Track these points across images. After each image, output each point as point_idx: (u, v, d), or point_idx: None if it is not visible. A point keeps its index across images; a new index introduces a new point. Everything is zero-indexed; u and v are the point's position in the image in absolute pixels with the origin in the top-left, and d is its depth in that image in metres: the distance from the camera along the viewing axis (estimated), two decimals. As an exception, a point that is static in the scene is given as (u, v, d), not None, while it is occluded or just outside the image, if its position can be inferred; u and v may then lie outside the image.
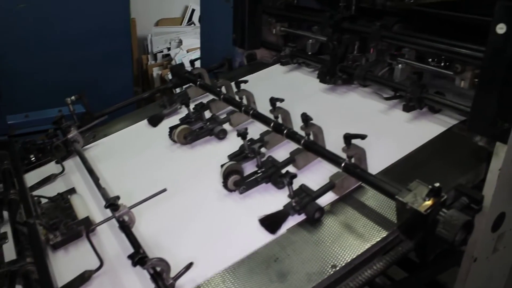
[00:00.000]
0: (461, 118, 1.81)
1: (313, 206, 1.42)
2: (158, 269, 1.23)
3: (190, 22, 6.15)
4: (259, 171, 1.61)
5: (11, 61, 3.63)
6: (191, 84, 2.40)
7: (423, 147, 1.72)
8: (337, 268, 1.26)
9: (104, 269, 1.36)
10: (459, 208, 1.39)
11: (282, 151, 1.78)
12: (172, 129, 2.02)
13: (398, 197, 1.27)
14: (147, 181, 1.80)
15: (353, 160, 1.49)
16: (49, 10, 3.71)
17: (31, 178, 1.97)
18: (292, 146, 1.73)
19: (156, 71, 5.57)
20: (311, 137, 1.65)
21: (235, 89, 2.05)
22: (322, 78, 2.26)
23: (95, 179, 1.74)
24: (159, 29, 5.93)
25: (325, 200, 1.49)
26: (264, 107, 1.86)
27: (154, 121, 2.24)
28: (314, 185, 1.51)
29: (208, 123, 2.00)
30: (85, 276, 1.34)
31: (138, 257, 1.25)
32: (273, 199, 1.55)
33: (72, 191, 1.81)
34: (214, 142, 1.97)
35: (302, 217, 1.44)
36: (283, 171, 1.61)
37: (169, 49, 5.79)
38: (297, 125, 1.71)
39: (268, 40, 2.80)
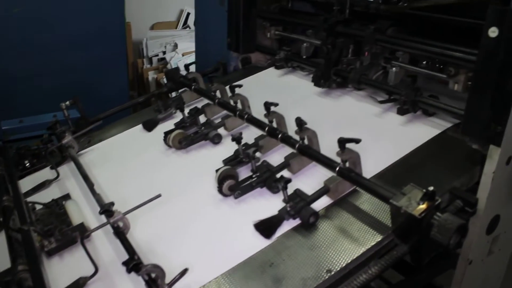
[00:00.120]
0: (455, 121, 1.81)
1: (308, 210, 1.42)
2: (153, 275, 1.23)
3: (185, 25, 6.16)
4: (254, 176, 1.61)
5: (5, 66, 3.63)
6: (186, 88, 2.40)
7: (418, 150, 1.72)
8: (332, 273, 1.26)
9: (99, 275, 1.35)
10: (454, 212, 1.40)
11: (277, 155, 1.78)
12: (167, 134, 2.02)
13: (392, 201, 1.27)
14: (142, 186, 1.79)
15: (347, 164, 1.49)
16: (43, 14, 3.72)
17: (25, 184, 1.96)
18: (287, 150, 1.73)
19: (151, 75, 5.57)
20: (306, 141, 1.65)
21: (229, 93, 2.05)
22: (317, 82, 2.26)
23: (90, 185, 1.73)
24: (154, 33, 5.93)
25: (320, 204, 1.49)
26: (259, 111, 1.86)
27: (149, 126, 2.24)
28: (309, 189, 1.51)
29: (203, 128, 2.00)
30: (80, 283, 1.33)
31: (133, 264, 1.25)
32: (268, 203, 1.55)
33: (67, 197, 1.80)
34: (209, 147, 1.97)
35: (297, 221, 1.44)
36: (278, 175, 1.61)
37: (164, 52, 5.79)
38: (291, 129, 1.71)
39: (263, 44, 2.80)
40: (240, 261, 1.35)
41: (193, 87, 2.31)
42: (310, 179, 1.64)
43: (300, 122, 1.61)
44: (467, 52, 1.71)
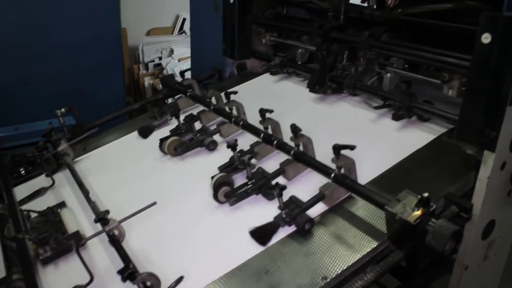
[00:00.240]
0: (450, 126, 1.82)
1: (303, 217, 1.42)
2: (148, 283, 1.23)
3: (181, 31, 6.16)
4: (249, 183, 1.61)
5: (0, 73, 3.61)
6: (181, 95, 2.40)
7: (413, 156, 1.73)
8: (328, 280, 1.26)
9: (94, 284, 1.34)
10: (449, 217, 1.40)
11: (272, 162, 1.78)
12: (162, 140, 2.02)
13: (387, 208, 1.28)
14: (138, 193, 1.79)
15: (342, 171, 1.49)
16: (39, 21, 3.72)
17: (20, 191, 1.95)
18: (282, 157, 1.73)
19: (147, 81, 5.56)
20: (301, 148, 1.66)
21: (225, 100, 2.05)
22: (312, 88, 2.27)
23: (85, 193, 1.73)
24: (150, 39, 5.93)
25: (315, 211, 1.49)
26: (254, 117, 1.86)
27: (145, 133, 2.24)
28: (305, 196, 1.51)
29: (198, 135, 2.00)
30: (75, 292, 1.33)
31: (128, 272, 1.24)
32: (263, 210, 1.55)
33: (62, 204, 1.80)
34: (205, 154, 1.97)
35: (292, 228, 1.44)
36: (273, 182, 1.61)
37: (160, 58, 5.79)
38: (287, 135, 1.71)
39: (258, 50, 2.81)
40: (236, 268, 1.35)
41: (188, 93, 2.32)
42: (305, 186, 1.64)
43: (295, 129, 1.62)
44: (461, 57, 1.72)
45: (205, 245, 1.47)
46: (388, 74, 2.04)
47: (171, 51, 5.73)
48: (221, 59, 2.79)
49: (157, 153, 2.03)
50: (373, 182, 1.60)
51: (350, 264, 1.30)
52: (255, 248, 1.41)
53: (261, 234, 1.43)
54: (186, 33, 6.05)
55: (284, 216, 1.42)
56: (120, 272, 1.26)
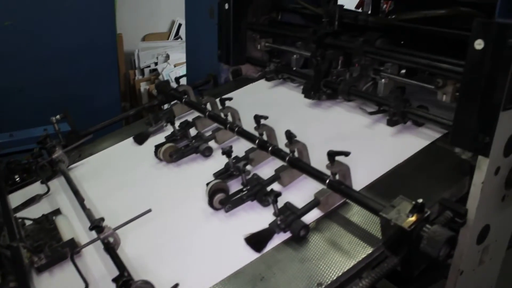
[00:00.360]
0: (444, 131, 1.82)
1: (298, 223, 1.42)
2: (143, 291, 1.22)
3: (177, 36, 6.17)
4: (244, 189, 1.61)
5: (-4, 79, 3.62)
6: (177, 101, 2.40)
7: (408, 161, 1.73)
8: (323, 286, 1.26)
9: (89, 292, 1.34)
10: (443, 223, 1.41)
11: (267, 168, 1.79)
12: (157, 147, 2.02)
13: (382, 214, 1.28)
14: (133, 200, 1.79)
15: (337, 177, 1.50)
16: (34, 27, 3.72)
17: (15, 199, 1.95)
18: (277, 163, 1.73)
19: (143, 86, 5.57)
20: (296, 154, 1.66)
21: (220, 106, 2.06)
22: (307, 94, 2.27)
23: (80, 200, 1.72)
24: (146, 44, 5.94)
25: (311, 217, 1.49)
26: (249, 123, 1.86)
27: (140, 139, 2.24)
28: (300, 202, 1.51)
29: (193, 141, 2.00)
30: (70, 300, 1.33)
31: (123, 280, 1.24)
32: (258, 217, 1.55)
33: (57, 212, 1.80)
34: (200, 160, 1.97)
35: (287, 235, 1.44)
36: (268, 188, 1.61)
37: (156, 63, 5.80)
38: (282, 141, 1.71)
39: (253, 56, 2.81)
40: (231, 274, 1.35)
41: (183, 99, 2.32)
42: (300, 192, 1.64)
43: (290, 135, 1.62)
44: (455, 63, 1.73)
45: (200, 252, 1.47)
46: (383, 80, 2.05)
47: (167, 57, 5.74)
48: (217, 65, 2.80)
49: (153, 159, 2.03)
50: (368, 188, 1.60)
51: (345, 270, 1.30)
52: (250, 255, 1.41)
53: (256, 240, 1.43)
54: (182, 39, 6.06)
55: (279, 222, 1.43)
56: (115, 280, 1.26)
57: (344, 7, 2.30)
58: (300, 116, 2.20)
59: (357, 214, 1.49)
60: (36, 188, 2.04)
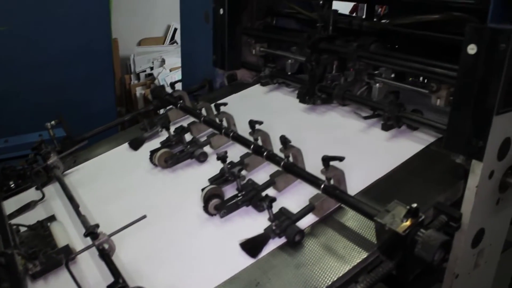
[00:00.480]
0: (439, 135, 1.83)
1: (293, 229, 1.42)
2: (138, 298, 1.22)
3: (172, 41, 6.18)
4: (239, 195, 1.61)
5: (-9, 85, 3.61)
6: (172, 106, 2.40)
7: (402, 166, 1.73)
8: (318, 291, 1.26)
9: (84, 298, 1.34)
10: (438, 227, 1.41)
11: (262, 173, 1.79)
12: (153, 152, 2.02)
13: (376, 219, 1.28)
14: (128, 206, 1.79)
15: (332, 182, 1.50)
16: (29, 32, 3.71)
17: (10, 205, 1.94)
18: (272, 168, 1.73)
19: (139, 91, 5.57)
20: (291, 159, 1.66)
21: (215, 111, 2.06)
22: (302, 98, 2.28)
23: (75, 206, 1.72)
24: (141, 49, 5.94)
25: (306, 222, 1.49)
26: (245, 128, 1.86)
27: (135, 145, 2.23)
28: (295, 207, 1.51)
29: (188, 146, 2.00)
30: (65, 307, 1.32)
31: (118, 287, 1.24)
32: (253, 222, 1.55)
33: (52, 218, 1.79)
34: (195, 165, 1.97)
35: (282, 240, 1.44)
36: (264, 193, 1.61)
37: (152, 68, 5.80)
38: (277, 146, 1.71)
39: (248, 61, 2.82)
40: (226, 280, 1.35)
41: (179, 105, 2.32)
42: (296, 197, 1.64)
43: (284, 140, 1.62)
44: (449, 68, 1.73)
45: (196, 258, 1.47)
46: (377, 84, 2.06)
47: (163, 61, 5.74)
48: (212, 69, 2.80)
49: (148, 165, 2.03)
50: (362, 192, 1.60)
51: (340, 275, 1.30)
52: (246, 260, 1.40)
53: (252, 246, 1.43)
54: (177, 43, 6.07)
55: (274, 228, 1.43)
56: (110, 286, 1.26)
57: (339, 11, 2.30)
58: (295, 121, 2.21)
59: (352, 219, 1.50)
60: (31, 194, 2.03)
